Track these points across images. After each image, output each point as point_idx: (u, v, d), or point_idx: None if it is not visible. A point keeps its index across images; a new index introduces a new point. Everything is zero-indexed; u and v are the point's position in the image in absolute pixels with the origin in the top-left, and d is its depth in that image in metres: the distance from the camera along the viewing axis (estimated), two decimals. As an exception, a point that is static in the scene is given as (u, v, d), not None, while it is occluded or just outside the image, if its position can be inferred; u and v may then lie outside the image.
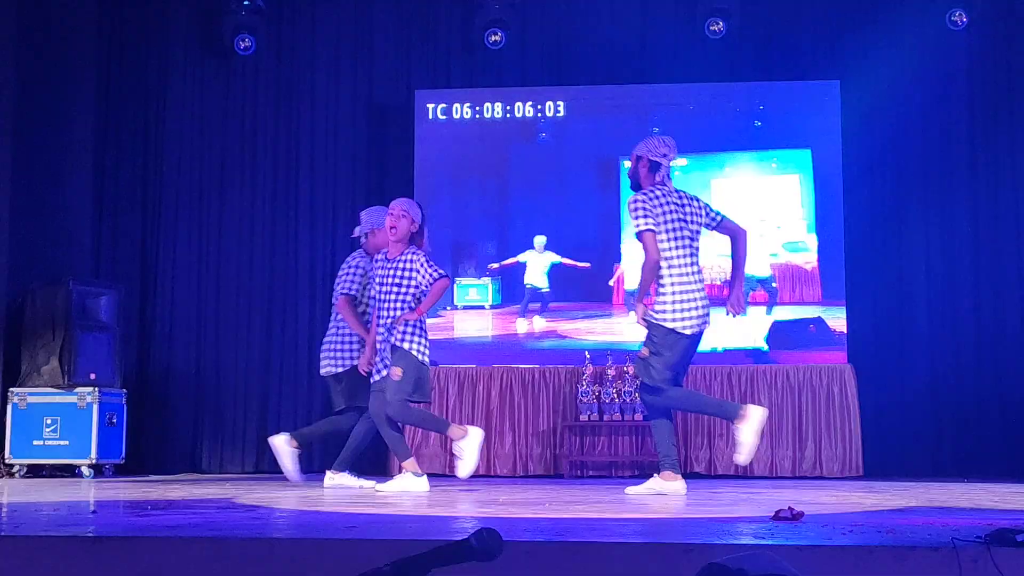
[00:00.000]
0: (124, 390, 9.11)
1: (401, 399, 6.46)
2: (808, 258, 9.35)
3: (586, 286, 9.57)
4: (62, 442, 8.60)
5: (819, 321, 9.27)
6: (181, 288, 9.98)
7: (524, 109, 9.72)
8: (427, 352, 6.60)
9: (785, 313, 9.34)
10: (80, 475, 8.55)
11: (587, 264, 9.54)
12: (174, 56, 10.17)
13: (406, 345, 6.53)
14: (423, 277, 6.62)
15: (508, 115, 9.74)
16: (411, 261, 6.66)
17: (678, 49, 9.72)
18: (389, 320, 6.59)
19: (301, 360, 9.76)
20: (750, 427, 5.85)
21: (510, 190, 9.67)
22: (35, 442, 8.62)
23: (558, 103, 9.70)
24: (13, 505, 5.20)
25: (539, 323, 9.53)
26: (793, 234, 9.42)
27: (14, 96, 8.98)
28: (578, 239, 9.60)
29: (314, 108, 10.09)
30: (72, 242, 9.71)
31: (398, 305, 6.61)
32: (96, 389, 8.72)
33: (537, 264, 9.57)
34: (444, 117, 9.75)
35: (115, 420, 8.86)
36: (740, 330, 9.33)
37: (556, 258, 9.57)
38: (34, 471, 8.70)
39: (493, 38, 9.67)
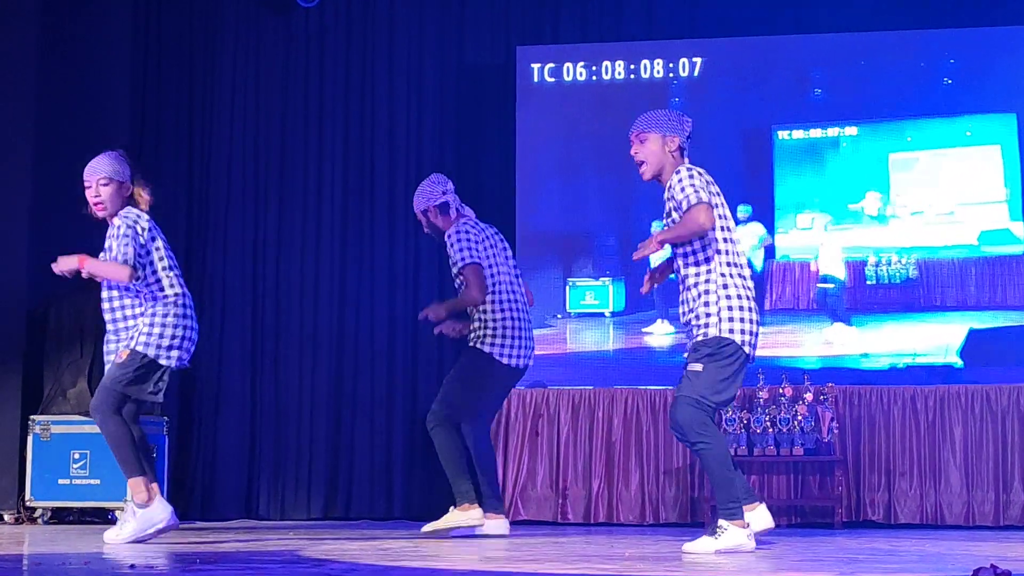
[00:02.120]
0: (165, 418, 9.27)
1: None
2: (1014, 250, 9.19)
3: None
4: (92, 481, 8.77)
5: (1029, 329, 9.13)
6: (233, 296, 10.12)
7: (652, 68, 9.70)
8: None
9: (985, 320, 9.18)
10: (114, 520, 8.72)
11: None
12: (224, 11, 10.32)
13: None
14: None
15: (632, 76, 9.72)
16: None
17: (845, -12, 9.63)
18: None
19: (379, 387, 9.84)
20: None
21: (635, 169, 9.63)
22: (60, 481, 8.79)
23: (694, 60, 9.66)
24: (36, 557, 5.32)
25: (669, 332, 9.50)
26: (994, 221, 9.26)
27: (35, 80, 9.21)
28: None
29: (392, 72, 10.17)
30: (102, 245, 9.89)
31: None
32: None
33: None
34: (552, 79, 9.76)
35: (155, 454, 9.02)
36: (927, 342, 9.20)
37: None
38: (59, 516, 8.89)
39: (613, -20, 9.68)
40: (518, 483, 9.15)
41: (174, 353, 6.50)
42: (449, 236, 7.13)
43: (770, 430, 8.86)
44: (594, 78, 9.77)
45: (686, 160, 5.95)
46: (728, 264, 5.76)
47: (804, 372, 9.10)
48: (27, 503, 8.86)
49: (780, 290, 9.49)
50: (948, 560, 5.33)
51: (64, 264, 6.44)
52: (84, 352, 9.03)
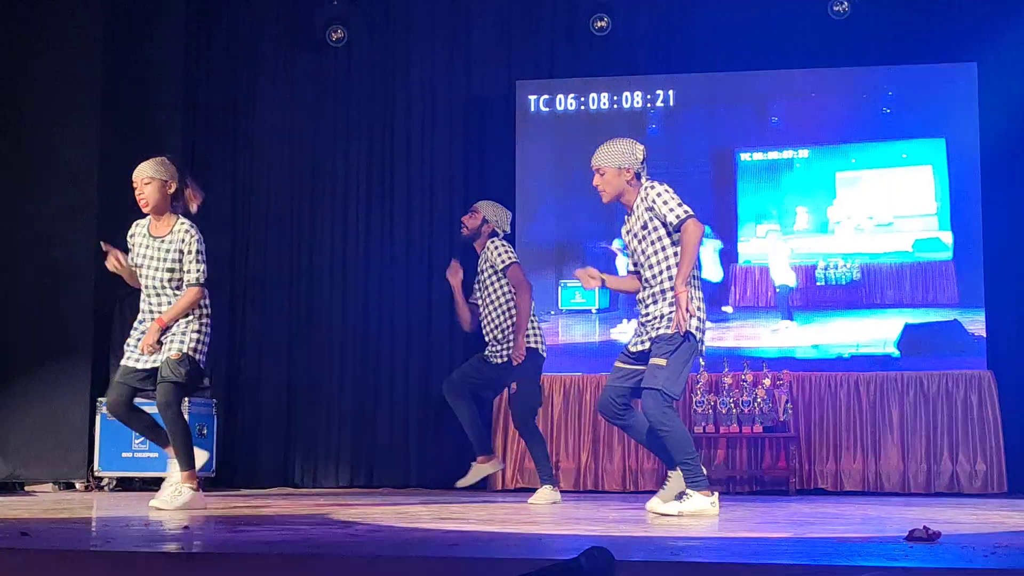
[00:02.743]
0: (214, 400, 9.28)
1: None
2: (943, 256, 9.19)
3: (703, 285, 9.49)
4: (151, 454, 8.78)
5: (955, 324, 9.10)
6: (272, 294, 10.13)
7: (632, 99, 9.70)
8: None
9: (918, 316, 9.18)
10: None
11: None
12: (264, 50, 10.33)
13: None
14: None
15: (615, 106, 9.73)
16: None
17: (798, 32, 9.61)
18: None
19: (399, 369, 9.86)
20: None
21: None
22: (124, 454, 8.81)
23: (668, 92, 9.66)
24: (103, 520, 5.33)
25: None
26: (926, 231, 9.26)
27: (99, 104, 9.21)
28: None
29: (409, 102, 10.17)
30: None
31: None
32: (186, 399, 8.87)
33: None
34: (547, 109, 9.77)
35: (205, 432, 9.03)
36: (868, 335, 9.21)
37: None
38: (124, 484, 8.90)
39: (599, 24, 9.66)
40: (517, 457, 9.16)
41: (205, 351, 6.21)
42: (492, 242, 7.35)
43: (734, 411, 8.87)
44: (582, 108, 9.77)
45: (640, 185, 5.82)
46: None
47: (763, 361, 9.10)
48: (95, 473, 8.87)
49: (742, 291, 9.49)
50: (887, 522, 5.33)
51: (150, 339, 6.04)
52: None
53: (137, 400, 6.25)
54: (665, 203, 5.65)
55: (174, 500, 5.98)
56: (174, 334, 6.10)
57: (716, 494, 5.60)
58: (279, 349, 10.06)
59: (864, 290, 9.30)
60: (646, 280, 5.78)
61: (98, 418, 8.88)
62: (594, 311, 9.59)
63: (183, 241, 6.15)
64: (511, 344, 7.23)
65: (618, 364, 5.82)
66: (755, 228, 9.49)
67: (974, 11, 9.42)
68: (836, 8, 9.35)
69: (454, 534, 4.38)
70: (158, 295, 6.19)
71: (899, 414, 8.90)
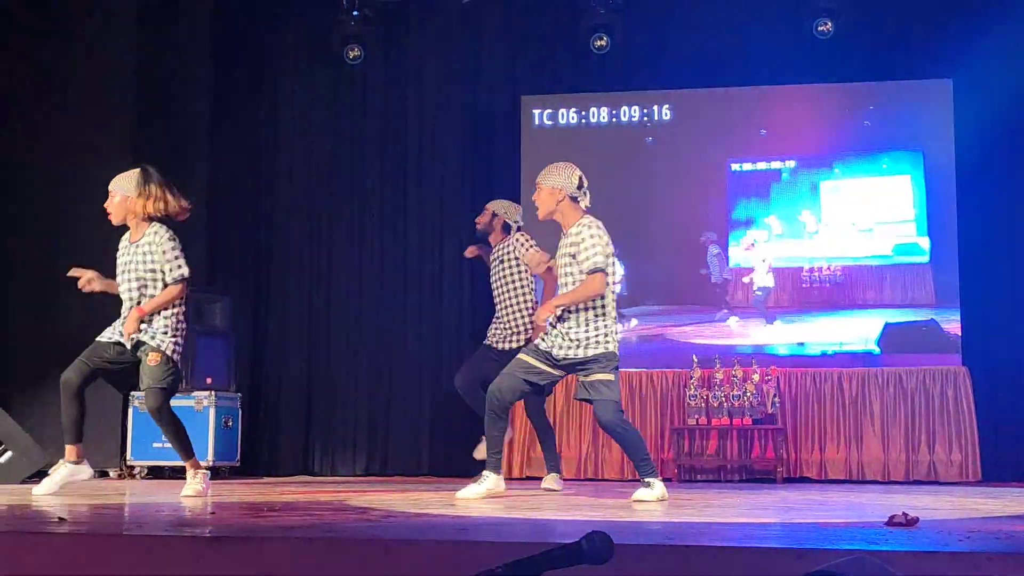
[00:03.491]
0: (239, 394, 9.29)
1: None
2: (921, 260, 9.18)
3: (693, 289, 9.51)
4: (180, 444, 8.78)
5: (932, 323, 9.09)
6: (293, 294, 10.15)
7: (630, 113, 9.70)
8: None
9: (897, 316, 9.17)
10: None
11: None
12: (286, 66, 10.35)
13: None
14: None
15: (614, 120, 9.73)
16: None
17: (785, 50, 9.61)
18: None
19: (411, 365, 9.86)
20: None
21: (617, 195, 9.63)
22: (155, 444, 8.81)
23: (664, 107, 9.66)
24: (136, 505, 5.33)
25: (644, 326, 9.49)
26: (904, 236, 9.25)
27: (132, 110, 9.23)
28: (686, 244, 9.54)
29: (421, 115, 10.19)
30: (187, 251, 9.91)
31: None
32: (212, 393, 8.90)
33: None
34: (550, 123, 9.77)
35: (231, 423, 9.03)
36: (850, 333, 9.21)
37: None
38: (154, 472, 8.91)
39: (598, 43, 9.65)
40: (524, 447, 9.16)
41: (180, 351, 6.14)
42: (517, 237, 7.36)
43: (725, 404, 8.86)
44: (583, 122, 9.77)
45: (577, 207, 5.91)
46: (613, 303, 5.81)
47: (752, 357, 9.10)
48: (128, 462, 8.88)
49: (733, 293, 9.49)
50: (868, 508, 5.33)
51: (131, 327, 5.99)
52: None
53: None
54: (591, 247, 5.76)
55: (194, 487, 5.98)
56: (151, 336, 6.02)
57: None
58: (299, 346, 10.07)
59: (846, 291, 9.29)
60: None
61: (130, 410, 8.88)
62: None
63: (151, 243, 6.08)
64: (528, 333, 7.20)
65: (531, 360, 5.84)
66: (745, 233, 9.48)
67: (950, 31, 9.40)
68: (820, 28, 9.34)
69: (463, 520, 4.38)
70: (133, 301, 6.11)
71: (880, 407, 8.89)
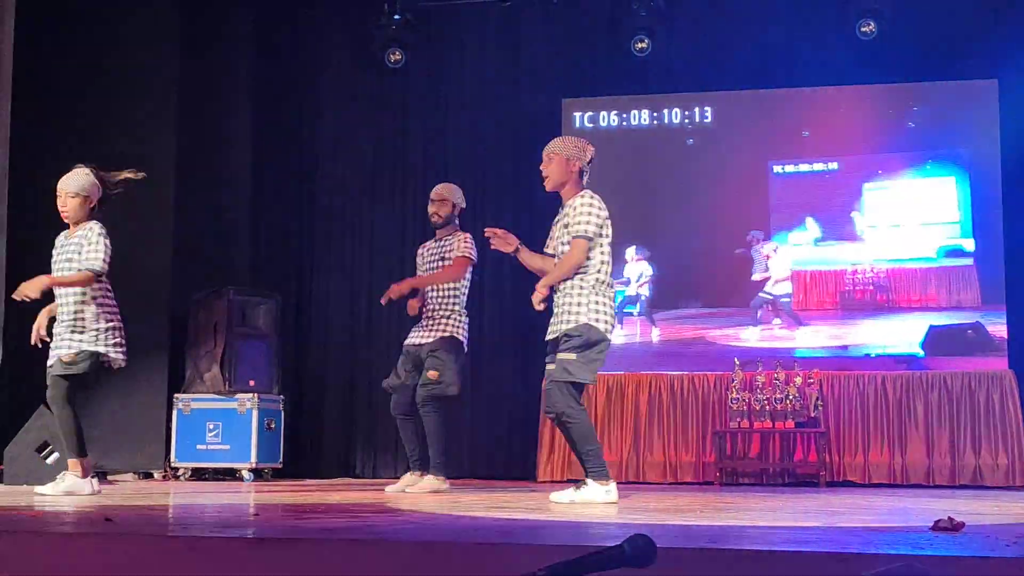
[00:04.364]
0: (282, 396, 9.34)
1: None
2: (965, 262, 9.09)
3: (735, 291, 9.47)
4: (223, 446, 8.86)
5: (978, 326, 9.00)
6: (335, 297, 10.19)
7: (671, 115, 9.68)
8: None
9: (942, 318, 9.09)
10: (241, 478, 8.79)
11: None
12: (328, 71, 10.42)
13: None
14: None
15: (655, 122, 9.71)
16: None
17: (828, 51, 9.54)
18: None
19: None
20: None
21: (657, 197, 9.62)
22: (198, 446, 8.89)
23: (706, 109, 9.62)
24: (180, 507, 5.37)
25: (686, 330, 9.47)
26: (949, 238, 9.17)
27: (176, 119, 9.31)
28: (727, 246, 9.49)
29: (462, 119, 10.21)
30: (231, 254, 10.01)
31: None
32: (255, 395, 8.95)
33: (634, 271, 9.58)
34: (591, 125, 9.76)
35: (273, 425, 9.09)
36: (894, 336, 9.13)
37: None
38: (198, 474, 8.97)
39: (639, 45, 9.63)
40: (565, 451, 9.15)
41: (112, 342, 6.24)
42: (464, 241, 7.32)
43: (767, 407, 8.81)
44: (624, 124, 9.76)
45: (581, 182, 5.84)
46: (597, 280, 5.66)
47: (795, 360, 9.05)
48: (172, 464, 8.95)
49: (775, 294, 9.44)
50: (913, 513, 5.28)
51: (28, 290, 6.05)
52: (216, 343, 9.12)
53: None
54: (586, 215, 5.66)
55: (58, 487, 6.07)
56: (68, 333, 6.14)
57: (613, 483, 5.63)
58: (342, 350, 10.11)
59: (890, 294, 9.22)
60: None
61: (174, 413, 8.96)
62: (635, 313, 9.56)
63: (85, 236, 6.15)
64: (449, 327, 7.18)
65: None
66: (787, 236, 9.43)
67: (995, 31, 9.31)
68: (863, 29, 9.27)
69: (504, 522, 4.38)
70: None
71: (924, 410, 8.81)
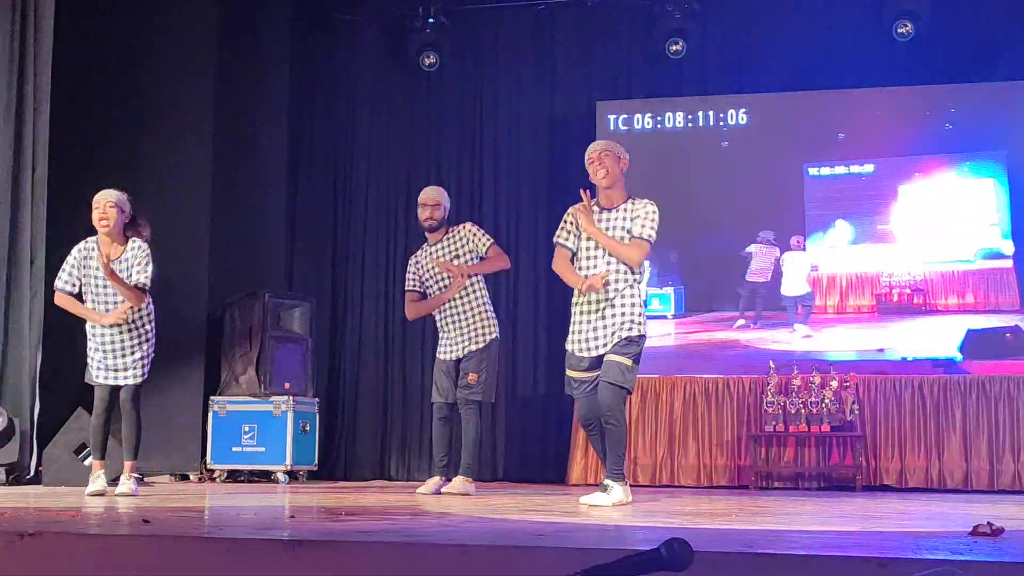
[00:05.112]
0: (316, 398, 9.37)
1: None
2: (1004, 264, 9.01)
3: (770, 294, 9.42)
4: (259, 449, 8.90)
5: (1017, 329, 8.92)
6: (369, 300, 10.22)
7: (706, 118, 9.64)
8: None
9: (980, 321, 9.01)
10: (276, 480, 8.83)
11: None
12: (362, 74, 10.46)
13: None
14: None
15: (690, 124, 9.67)
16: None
17: (865, 53, 9.49)
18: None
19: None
20: None
21: (691, 200, 9.58)
22: (234, 448, 8.93)
23: (740, 111, 9.58)
24: (216, 508, 5.40)
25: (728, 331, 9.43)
26: (988, 240, 9.08)
27: (211, 116, 9.36)
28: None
29: (497, 121, 10.22)
30: (266, 257, 10.06)
31: None
32: (290, 398, 8.99)
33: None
34: (625, 128, 9.73)
35: (308, 428, 9.12)
36: (932, 339, 9.06)
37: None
38: (233, 476, 9.02)
39: (673, 48, 9.61)
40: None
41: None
42: (468, 229, 7.25)
43: (802, 411, 8.76)
44: (658, 126, 9.73)
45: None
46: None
47: (830, 364, 8.99)
48: (208, 466, 9.00)
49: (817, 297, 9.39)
50: (951, 518, 5.24)
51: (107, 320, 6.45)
52: (252, 346, 9.16)
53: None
54: (650, 218, 5.83)
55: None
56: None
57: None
58: (376, 353, 10.14)
59: (927, 296, 9.15)
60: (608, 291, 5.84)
61: (210, 415, 9.01)
62: (670, 316, 9.53)
63: (135, 256, 6.46)
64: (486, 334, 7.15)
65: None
66: (823, 238, 9.38)
67: (1033, 31, 9.23)
68: (900, 30, 9.21)
69: (540, 525, 4.38)
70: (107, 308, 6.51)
71: (962, 415, 8.73)
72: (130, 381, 6.48)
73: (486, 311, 7.11)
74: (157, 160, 9.17)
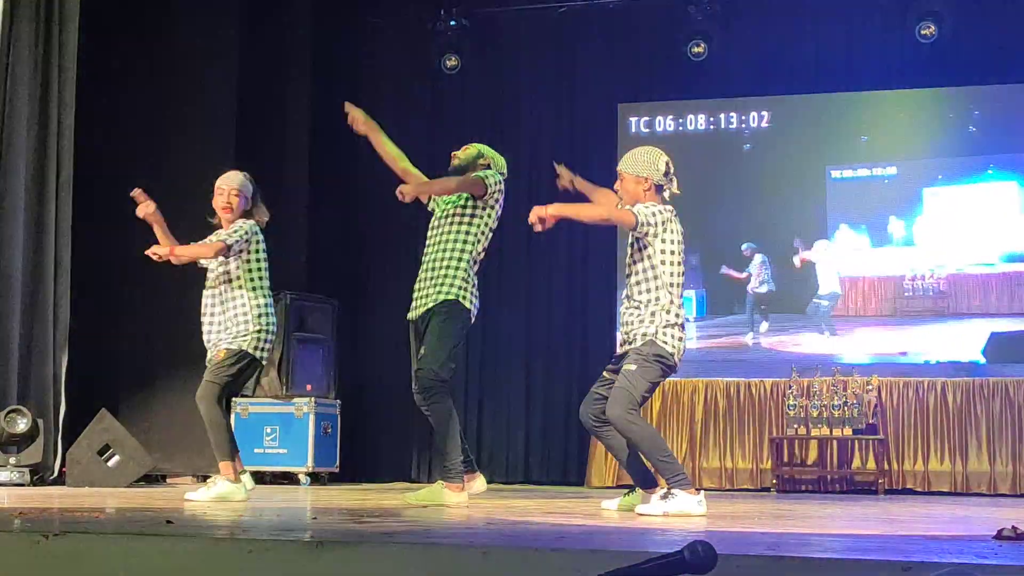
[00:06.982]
0: (338, 400, 9.38)
1: None
2: (1028, 267, 8.96)
3: (792, 298, 9.39)
4: (281, 450, 8.91)
5: (1041, 333, 8.87)
6: (391, 301, 10.18)
7: (728, 120, 9.61)
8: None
9: (1004, 324, 8.95)
10: (298, 482, 8.84)
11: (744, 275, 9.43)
12: (384, 77, 10.46)
13: None
14: None
15: (712, 127, 9.65)
16: None
17: (887, 55, 9.45)
18: None
19: (502, 371, 9.87)
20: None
21: (714, 203, 9.55)
22: (256, 450, 8.94)
23: (763, 113, 9.56)
24: (239, 509, 5.41)
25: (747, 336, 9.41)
26: (1012, 243, 9.03)
27: (234, 117, 9.39)
28: (784, 252, 9.42)
29: (518, 124, 10.21)
30: (289, 259, 10.06)
31: None
32: (312, 399, 9.00)
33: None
34: (647, 130, 9.72)
35: (330, 430, 9.13)
36: (955, 342, 9.01)
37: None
38: (255, 477, 9.02)
39: (695, 49, 9.59)
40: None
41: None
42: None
43: (824, 414, 8.73)
44: (680, 129, 9.72)
45: (660, 198, 5.51)
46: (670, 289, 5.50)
47: (853, 367, 8.96)
48: (231, 467, 9.01)
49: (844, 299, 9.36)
50: (974, 522, 5.21)
51: (157, 250, 6.33)
52: (275, 348, 9.15)
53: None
54: (650, 214, 5.37)
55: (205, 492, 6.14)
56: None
57: (701, 492, 5.23)
58: (398, 354, 10.12)
59: (951, 299, 9.10)
60: (628, 291, 5.56)
61: (233, 417, 9.02)
62: (691, 319, 9.51)
63: (234, 227, 6.36)
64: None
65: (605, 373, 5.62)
66: (845, 242, 9.34)
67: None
68: (923, 32, 9.16)
69: (562, 527, 4.37)
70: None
71: (986, 418, 8.68)
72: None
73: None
74: (180, 161, 9.19)
